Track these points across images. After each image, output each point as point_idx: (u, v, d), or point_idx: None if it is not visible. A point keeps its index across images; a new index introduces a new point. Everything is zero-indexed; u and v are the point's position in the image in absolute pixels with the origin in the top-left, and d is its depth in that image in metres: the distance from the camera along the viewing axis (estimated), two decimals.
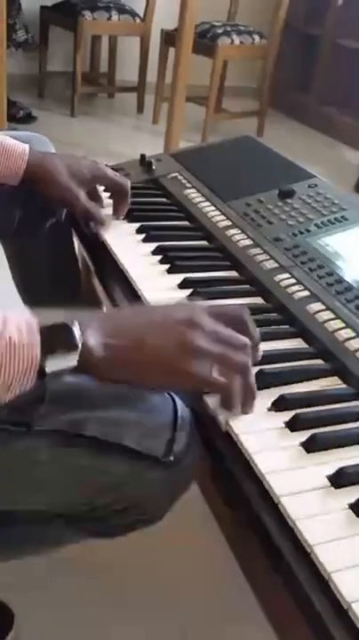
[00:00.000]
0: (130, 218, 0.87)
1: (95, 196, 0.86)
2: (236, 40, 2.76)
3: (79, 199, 0.80)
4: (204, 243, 0.84)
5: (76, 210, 0.83)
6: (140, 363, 0.49)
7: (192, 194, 0.94)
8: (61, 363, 0.45)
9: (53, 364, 0.45)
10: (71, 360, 0.46)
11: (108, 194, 0.89)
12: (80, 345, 0.46)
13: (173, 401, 0.54)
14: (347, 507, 0.45)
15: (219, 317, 0.51)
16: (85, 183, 0.82)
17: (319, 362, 0.61)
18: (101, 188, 0.89)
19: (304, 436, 0.51)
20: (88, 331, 0.47)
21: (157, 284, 0.72)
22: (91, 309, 1.03)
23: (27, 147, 0.79)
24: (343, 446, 0.51)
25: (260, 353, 0.55)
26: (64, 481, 0.51)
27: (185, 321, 0.49)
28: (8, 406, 0.45)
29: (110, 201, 0.88)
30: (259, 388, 0.53)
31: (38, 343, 0.44)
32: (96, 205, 0.84)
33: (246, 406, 0.52)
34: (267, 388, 0.55)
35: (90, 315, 0.50)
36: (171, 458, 0.51)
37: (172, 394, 0.55)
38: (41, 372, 0.45)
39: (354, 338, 0.62)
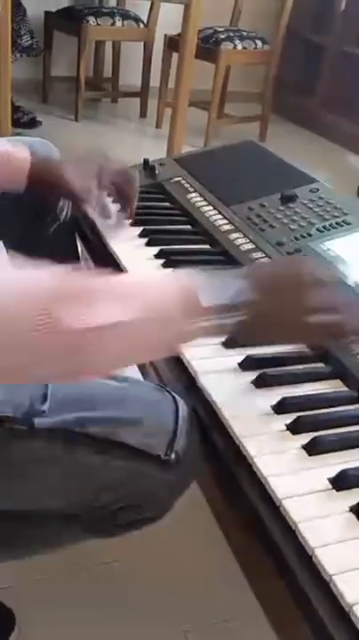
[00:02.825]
0: (133, 222, 0.87)
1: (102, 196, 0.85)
2: (239, 45, 2.77)
3: (86, 194, 0.79)
4: (207, 246, 0.84)
5: (83, 205, 0.82)
6: (276, 326, 0.53)
7: (195, 198, 0.94)
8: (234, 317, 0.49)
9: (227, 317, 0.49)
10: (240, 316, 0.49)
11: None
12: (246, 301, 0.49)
13: (174, 401, 0.54)
14: (349, 509, 0.46)
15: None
16: (91, 177, 0.81)
17: (321, 365, 0.62)
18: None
19: (305, 438, 0.51)
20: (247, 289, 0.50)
21: None
22: None
23: (28, 152, 0.78)
24: (344, 449, 0.51)
25: None
26: (66, 479, 0.51)
27: (306, 281, 0.53)
28: (11, 405, 0.46)
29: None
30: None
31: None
32: (104, 202, 0.83)
33: None
34: (270, 389, 0.56)
35: (242, 273, 0.54)
36: (172, 457, 0.51)
37: (174, 393, 0.55)
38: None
39: None
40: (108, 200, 0.84)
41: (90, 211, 0.83)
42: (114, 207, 0.86)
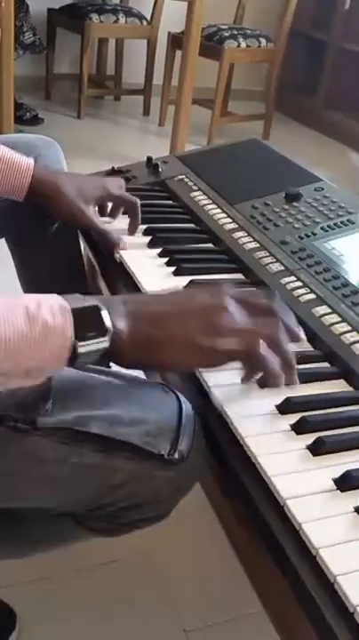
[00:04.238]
0: None
1: (105, 212, 0.85)
2: (243, 43, 2.76)
3: (91, 222, 0.79)
4: (211, 245, 0.84)
5: (89, 230, 0.82)
6: (168, 345, 0.49)
7: (198, 196, 0.94)
8: (93, 345, 0.46)
9: (85, 347, 0.45)
10: (103, 342, 0.46)
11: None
12: (111, 327, 0.46)
13: (178, 399, 0.54)
14: (353, 510, 0.45)
15: (246, 303, 0.52)
16: (92, 202, 0.80)
17: (325, 365, 0.61)
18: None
19: (310, 438, 0.51)
20: (117, 314, 0.48)
21: (163, 286, 0.72)
22: None
23: (31, 162, 0.77)
24: (349, 449, 0.51)
25: (303, 335, 0.55)
26: (70, 479, 0.51)
27: (210, 300, 0.50)
28: (14, 404, 0.45)
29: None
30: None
31: (71, 325, 0.45)
32: (107, 230, 0.81)
33: (287, 377, 0.51)
34: (274, 389, 0.55)
35: (117, 298, 0.51)
36: (176, 456, 0.51)
37: (177, 393, 0.55)
38: (73, 354, 0.45)
39: None
40: (108, 225, 0.83)
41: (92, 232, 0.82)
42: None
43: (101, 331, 0.46)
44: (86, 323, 0.46)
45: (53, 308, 0.45)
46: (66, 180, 0.78)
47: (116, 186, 0.83)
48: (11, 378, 0.45)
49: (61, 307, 0.45)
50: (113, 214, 0.87)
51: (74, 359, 0.45)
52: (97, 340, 0.46)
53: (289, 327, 0.53)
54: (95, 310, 0.46)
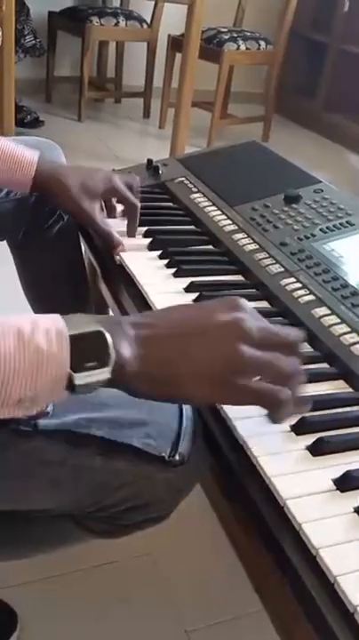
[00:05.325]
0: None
1: (108, 207, 0.85)
2: (242, 46, 2.77)
3: (94, 220, 0.78)
4: (211, 247, 0.84)
5: (90, 228, 0.81)
6: (183, 377, 0.44)
7: (198, 198, 0.94)
8: (93, 376, 0.41)
9: (83, 378, 0.41)
10: (103, 374, 0.41)
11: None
12: (114, 357, 0.41)
13: None
14: (353, 510, 0.46)
15: (272, 337, 0.47)
16: (97, 197, 0.79)
17: (324, 366, 0.62)
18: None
19: (310, 439, 0.51)
20: (122, 341, 0.42)
21: (164, 288, 0.73)
22: (98, 313, 1.04)
23: (36, 155, 0.77)
24: (349, 450, 0.51)
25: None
26: (70, 481, 0.51)
27: (231, 328, 0.44)
28: None
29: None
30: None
31: (68, 354, 0.40)
32: (109, 231, 0.79)
33: (297, 412, 0.49)
34: None
35: (123, 321, 0.45)
36: (177, 458, 0.51)
37: None
38: (70, 385, 0.41)
39: None
40: (111, 221, 0.83)
41: (91, 230, 0.82)
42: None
43: (103, 361, 0.41)
44: (86, 351, 0.41)
45: (50, 332, 0.40)
46: (70, 173, 0.77)
47: (124, 181, 0.82)
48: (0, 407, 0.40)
49: (58, 332, 0.40)
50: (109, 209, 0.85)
51: (70, 391, 0.41)
52: (98, 372, 0.41)
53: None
54: (97, 337, 0.41)
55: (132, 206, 0.82)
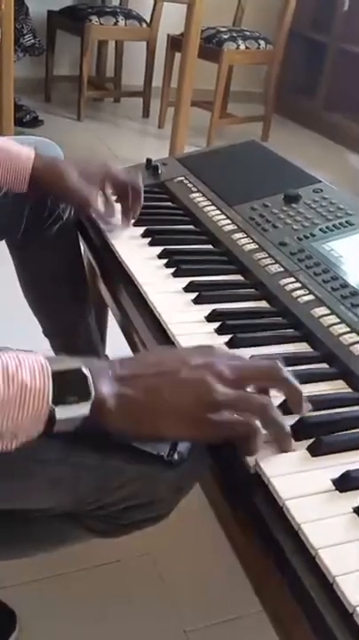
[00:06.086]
0: (136, 221, 0.87)
1: (106, 202, 0.85)
2: (242, 45, 2.77)
3: (90, 201, 0.79)
4: (210, 247, 0.84)
5: (88, 212, 0.81)
6: (156, 414, 0.46)
7: (198, 198, 0.94)
8: (73, 411, 0.44)
9: (64, 412, 0.43)
10: (83, 409, 0.44)
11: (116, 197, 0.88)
12: (93, 393, 0.44)
13: None
14: (352, 510, 0.46)
15: (246, 372, 0.49)
16: (96, 184, 0.80)
17: (324, 366, 0.62)
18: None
19: (309, 439, 0.51)
20: (101, 379, 0.45)
21: (163, 288, 0.73)
22: (98, 312, 1.04)
23: (32, 150, 0.78)
24: (348, 450, 0.51)
25: (308, 406, 0.51)
26: (70, 480, 0.51)
27: (204, 368, 0.47)
28: None
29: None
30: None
31: (50, 389, 0.43)
32: (109, 208, 0.82)
33: (281, 444, 0.49)
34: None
35: (103, 362, 0.48)
36: (176, 457, 0.51)
37: None
38: (50, 420, 0.43)
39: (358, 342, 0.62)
40: (113, 208, 0.84)
41: (93, 216, 0.83)
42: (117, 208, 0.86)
43: (83, 396, 0.44)
44: (67, 386, 0.43)
45: (34, 368, 0.43)
46: (68, 163, 0.79)
47: (122, 170, 0.83)
48: None
49: (42, 367, 0.43)
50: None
51: (51, 426, 0.44)
52: (77, 406, 0.44)
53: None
54: (78, 373, 0.44)
55: (134, 183, 0.82)
